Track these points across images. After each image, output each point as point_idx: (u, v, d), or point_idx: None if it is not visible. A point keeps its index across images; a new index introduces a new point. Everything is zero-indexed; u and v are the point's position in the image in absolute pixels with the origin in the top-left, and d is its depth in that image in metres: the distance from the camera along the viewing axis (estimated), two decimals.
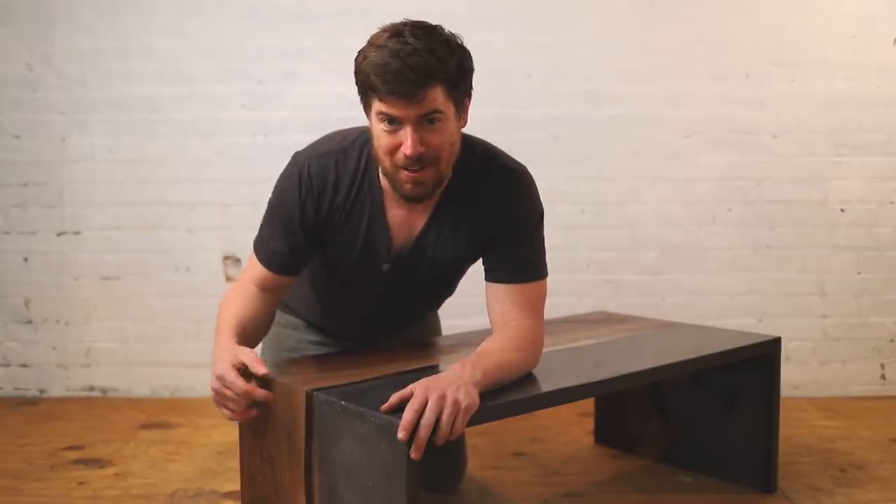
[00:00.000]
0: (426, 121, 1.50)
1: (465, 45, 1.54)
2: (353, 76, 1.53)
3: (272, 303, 1.75)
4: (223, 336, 1.60)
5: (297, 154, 1.70)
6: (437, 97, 1.48)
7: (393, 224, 1.69)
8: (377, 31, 1.52)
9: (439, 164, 1.55)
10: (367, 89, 1.51)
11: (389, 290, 1.79)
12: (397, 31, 1.48)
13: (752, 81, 3.02)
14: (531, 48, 3.00)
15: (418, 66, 1.44)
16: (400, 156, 1.52)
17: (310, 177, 1.65)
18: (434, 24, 1.53)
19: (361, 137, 1.66)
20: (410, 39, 1.46)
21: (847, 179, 3.04)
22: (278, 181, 1.71)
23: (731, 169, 3.05)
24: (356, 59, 1.52)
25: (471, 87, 1.59)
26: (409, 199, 1.60)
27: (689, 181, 3.05)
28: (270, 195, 1.73)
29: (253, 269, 1.73)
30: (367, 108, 1.55)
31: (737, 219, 3.06)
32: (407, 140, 1.49)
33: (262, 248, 1.72)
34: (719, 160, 3.04)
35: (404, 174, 1.54)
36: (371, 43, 1.50)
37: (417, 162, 1.51)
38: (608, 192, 3.05)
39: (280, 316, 2.05)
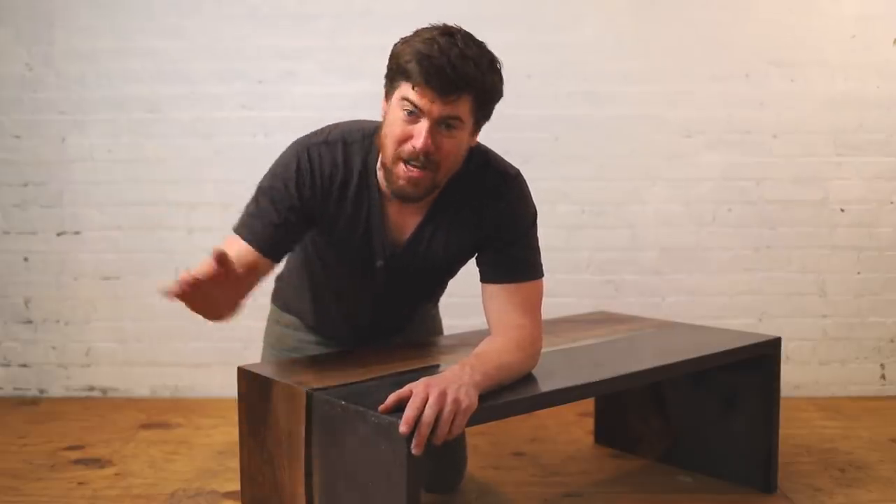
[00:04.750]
0: (445, 124, 1.51)
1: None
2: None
3: (246, 284, 1.63)
4: None
5: (297, 140, 1.69)
6: (465, 106, 1.50)
7: (389, 222, 1.70)
8: (425, 27, 1.53)
9: (438, 171, 1.55)
10: (398, 74, 1.51)
11: (381, 289, 1.79)
12: (450, 32, 1.50)
13: (752, 81, 3.02)
14: (531, 48, 2.99)
15: (462, 70, 1.46)
16: (408, 147, 1.52)
17: (309, 160, 1.64)
18: (481, 40, 1.54)
19: (366, 133, 1.66)
20: (461, 44, 1.48)
21: (847, 179, 3.04)
22: (273, 165, 1.69)
23: (731, 169, 3.04)
24: (395, 44, 1.52)
25: (492, 112, 1.60)
26: (399, 196, 1.59)
27: (689, 181, 3.05)
28: (261, 180, 1.69)
29: (231, 251, 1.60)
30: (389, 92, 1.55)
31: (737, 219, 3.06)
32: (421, 134, 1.49)
33: (247, 228, 1.66)
34: (719, 160, 3.04)
35: (403, 168, 1.54)
36: (418, 34, 1.50)
37: (422, 160, 1.51)
38: (608, 192, 3.05)
39: (280, 316, 2.06)
